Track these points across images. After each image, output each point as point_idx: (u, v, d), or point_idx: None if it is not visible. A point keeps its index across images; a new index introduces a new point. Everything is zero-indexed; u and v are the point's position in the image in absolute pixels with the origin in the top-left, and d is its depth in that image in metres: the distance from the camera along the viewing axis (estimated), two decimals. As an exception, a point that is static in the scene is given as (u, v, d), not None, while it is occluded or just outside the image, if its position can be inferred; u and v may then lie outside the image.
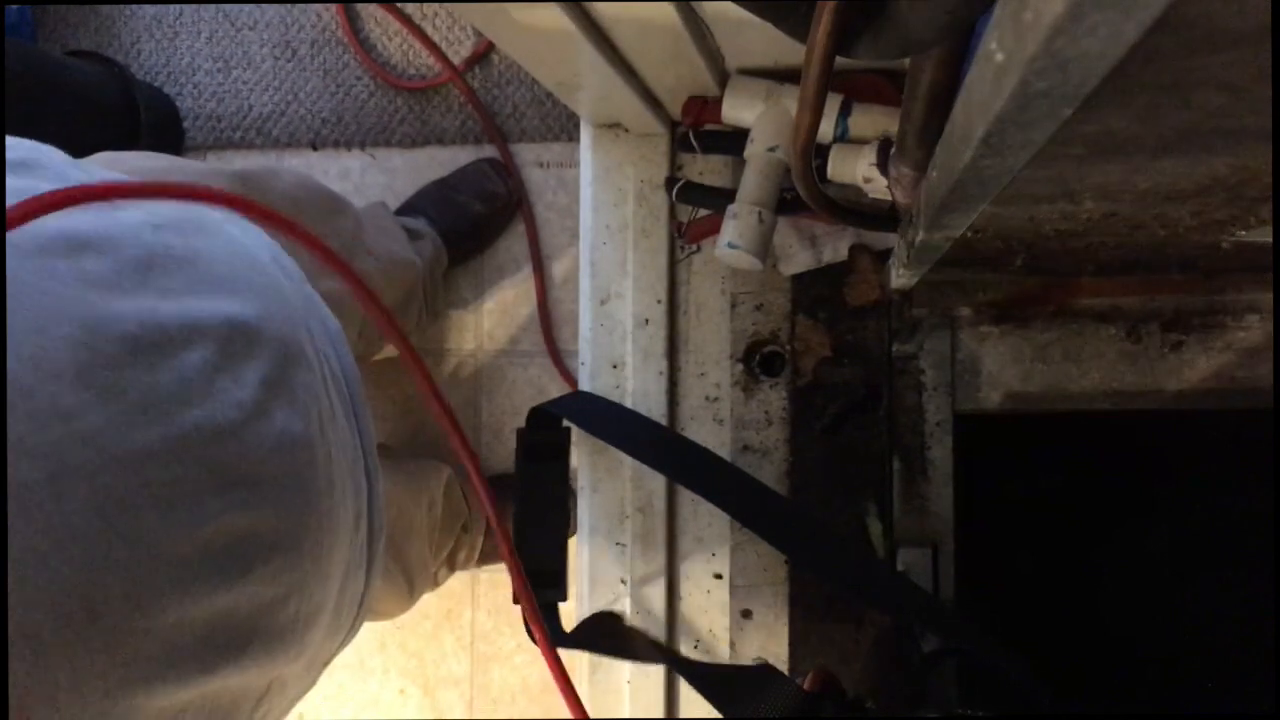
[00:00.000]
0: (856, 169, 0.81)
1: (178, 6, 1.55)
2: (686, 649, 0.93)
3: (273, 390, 0.48)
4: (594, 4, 0.70)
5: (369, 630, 1.31)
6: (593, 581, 0.93)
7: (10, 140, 0.50)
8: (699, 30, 0.78)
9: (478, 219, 1.38)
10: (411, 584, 1.17)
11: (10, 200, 0.35)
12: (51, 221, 0.41)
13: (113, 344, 0.42)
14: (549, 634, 0.65)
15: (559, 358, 1.41)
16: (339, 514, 0.53)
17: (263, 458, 0.46)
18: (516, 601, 0.41)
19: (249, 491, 0.46)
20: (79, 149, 0.60)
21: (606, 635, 0.90)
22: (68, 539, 0.38)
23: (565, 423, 0.86)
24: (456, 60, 1.46)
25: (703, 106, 0.91)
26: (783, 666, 0.87)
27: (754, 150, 0.85)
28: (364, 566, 0.58)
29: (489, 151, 1.44)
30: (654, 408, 0.93)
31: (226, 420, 0.45)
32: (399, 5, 1.48)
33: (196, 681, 0.44)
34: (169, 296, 0.46)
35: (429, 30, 1.48)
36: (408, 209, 1.38)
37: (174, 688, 0.43)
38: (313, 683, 0.57)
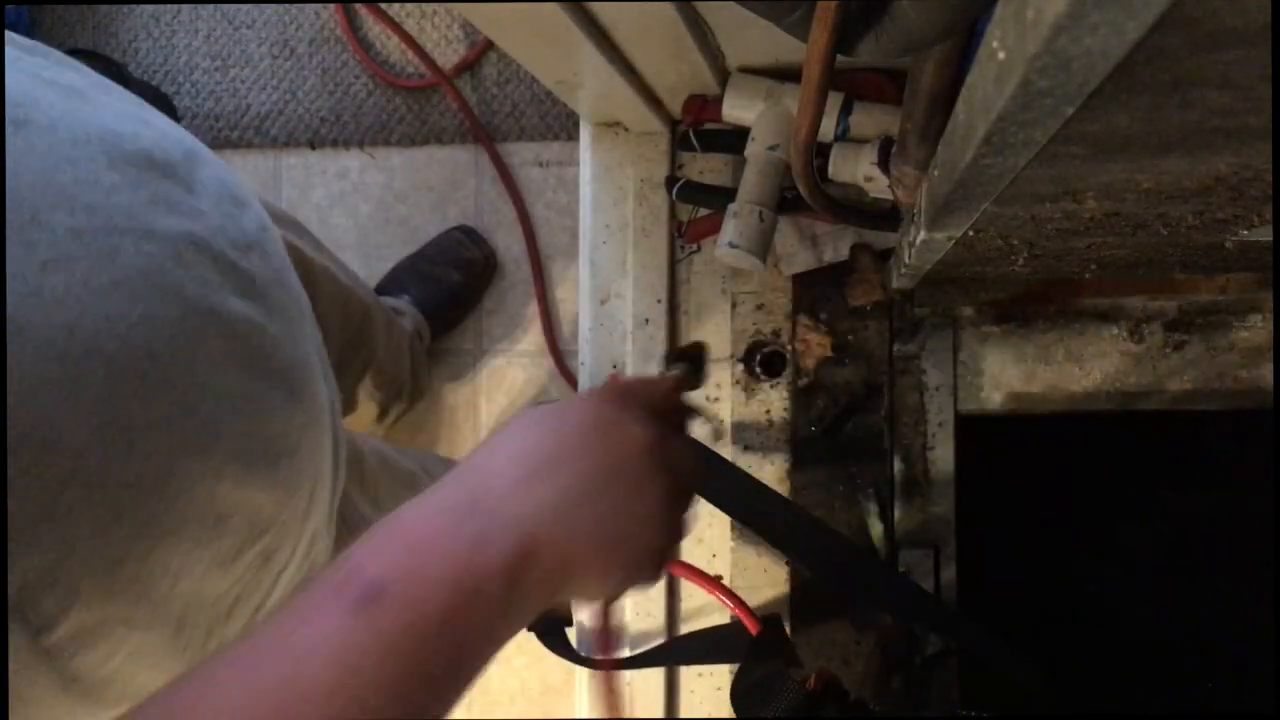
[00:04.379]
0: (858, 168, 0.81)
1: (175, 5, 1.55)
2: (687, 649, 0.93)
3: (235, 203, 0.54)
4: (594, 4, 0.70)
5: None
6: (593, 582, 0.93)
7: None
8: (700, 29, 0.78)
9: (456, 288, 1.39)
10: None
11: None
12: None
13: (131, 149, 0.47)
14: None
15: (559, 358, 1.41)
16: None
17: (245, 247, 0.51)
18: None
19: (259, 298, 0.51)
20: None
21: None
22: (127, 283, 0.43)
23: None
24: (456, 59, 1.46)
25: (703, 105, 0.91)
26: (783, 667, 0.87)
27: (755, 149, 0.85)
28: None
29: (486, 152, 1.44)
30: (654, 408, 0.93)
31: (216, 222, 0.50)
32: (385, 8, 1.48)
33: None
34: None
35: (428, 28, 1.48)
36: (387, 286, 1.39)
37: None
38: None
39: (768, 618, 0.65)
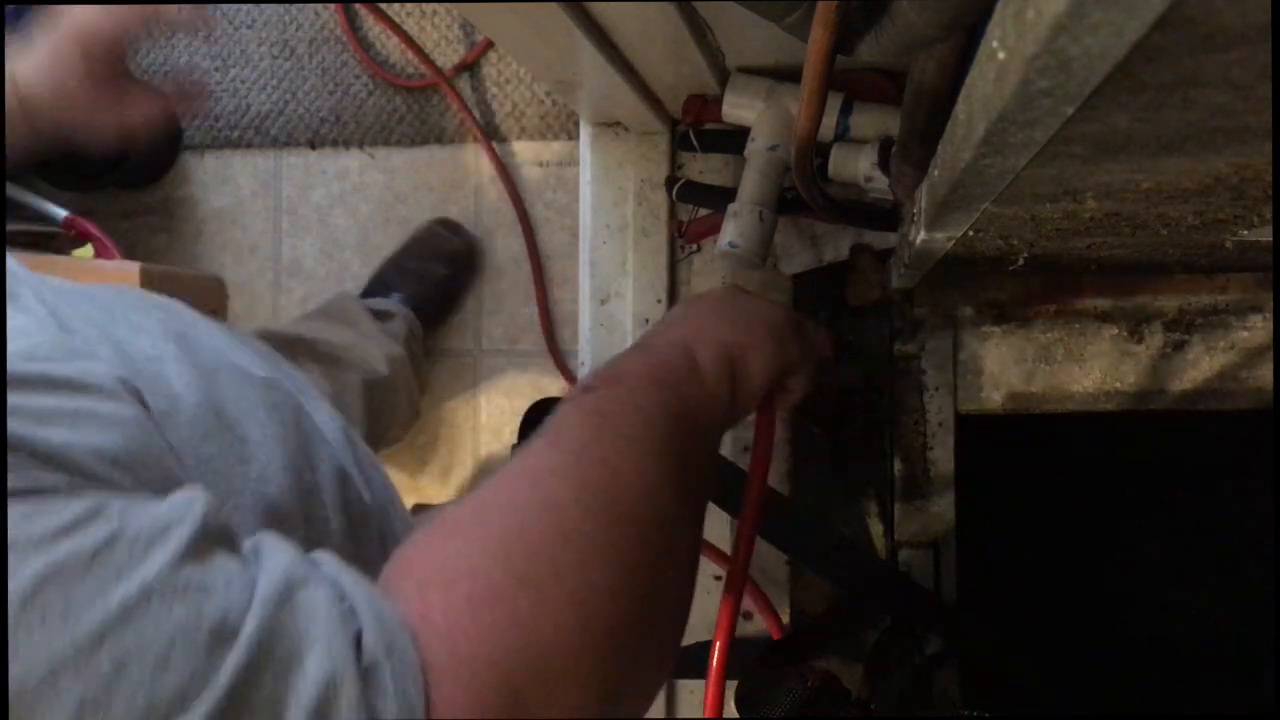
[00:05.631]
0: (858, 168, 0.81)
1: (175, 5, 1.55)
2: (687, 649, 0.93)
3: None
4: (594, 4, 0.70)
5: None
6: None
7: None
8: (699, 29, 0.78)
9: (442, 281, 1.39)
10: None
11: None
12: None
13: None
14: None
15: (559, 358, 1.41)
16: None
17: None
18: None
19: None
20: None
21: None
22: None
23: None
24: (456, 59, 1.46)
25: (703, 105, 0.91)
26: (783, 667, 0.87)
27: (755, 149, 0.85)
28: None
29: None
30: (654, 407, 0.93)
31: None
32: (385, 8, 1.48)
33: None
34: None
35: (428, 28, 1.48)
36: (375, 289, 1.39)
37: None
38: None
39: (791, 631, 0.65)
